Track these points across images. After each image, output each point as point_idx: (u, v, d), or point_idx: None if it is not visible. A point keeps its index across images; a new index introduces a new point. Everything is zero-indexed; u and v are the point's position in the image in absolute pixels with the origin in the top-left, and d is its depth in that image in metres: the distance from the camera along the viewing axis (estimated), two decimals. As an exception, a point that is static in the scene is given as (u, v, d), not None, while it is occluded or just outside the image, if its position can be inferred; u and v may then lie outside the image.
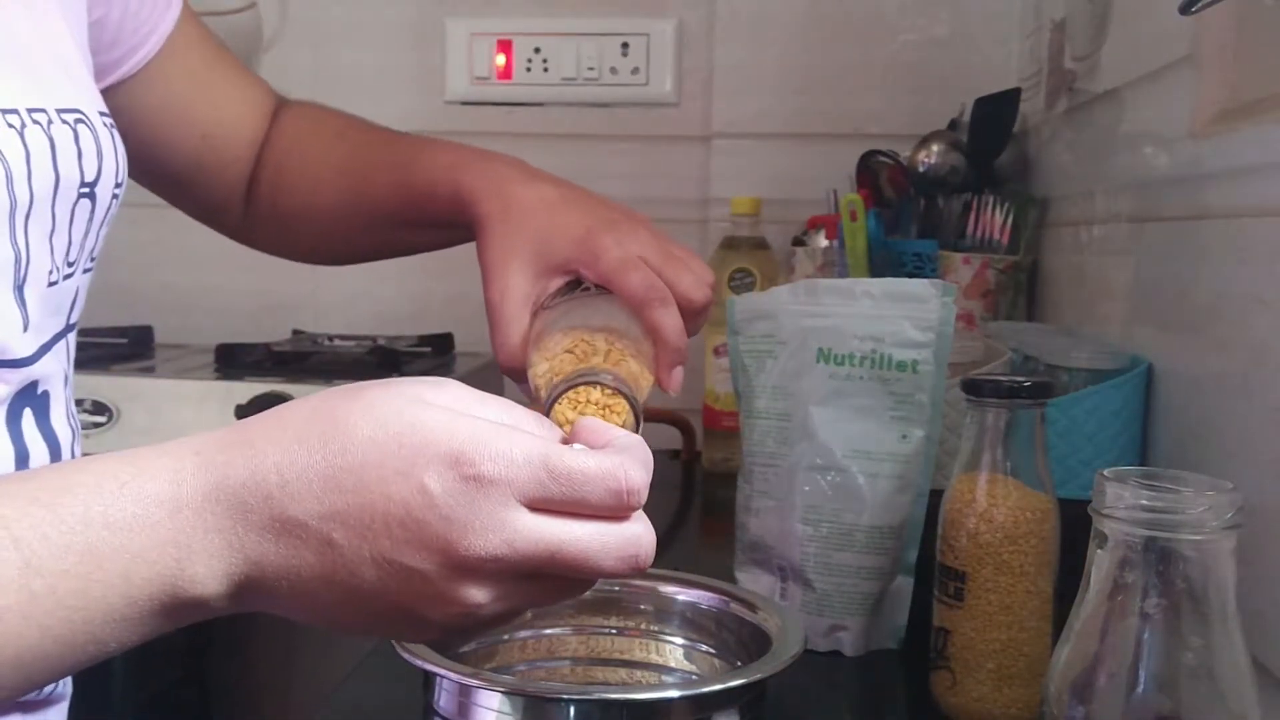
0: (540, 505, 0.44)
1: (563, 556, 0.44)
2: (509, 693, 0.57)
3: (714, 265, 1.33)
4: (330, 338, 1.55)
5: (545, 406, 0.60)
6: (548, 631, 0.71)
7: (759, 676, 0.59)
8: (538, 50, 1.60)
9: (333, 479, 0.43)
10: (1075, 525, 0.55)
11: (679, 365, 0.67)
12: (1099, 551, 0.47)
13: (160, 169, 0.82)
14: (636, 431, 0.61)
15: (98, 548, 0.42)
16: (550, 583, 0.46)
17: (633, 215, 0.72)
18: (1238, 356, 0.73)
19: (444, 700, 0.59)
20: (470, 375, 1.44)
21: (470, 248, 0.75)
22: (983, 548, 0.67)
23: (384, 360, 1.39)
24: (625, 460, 0.45)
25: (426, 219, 0.78)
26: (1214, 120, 0.79)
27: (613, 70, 1.59)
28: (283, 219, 0.87)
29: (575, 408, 0.60)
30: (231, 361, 1.40)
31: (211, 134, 0.84)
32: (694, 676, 0.69)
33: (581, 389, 0.60)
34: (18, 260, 0.57)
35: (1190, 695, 0.45)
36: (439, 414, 0.45)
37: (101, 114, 0.65)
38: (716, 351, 1.32)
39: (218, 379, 1.32)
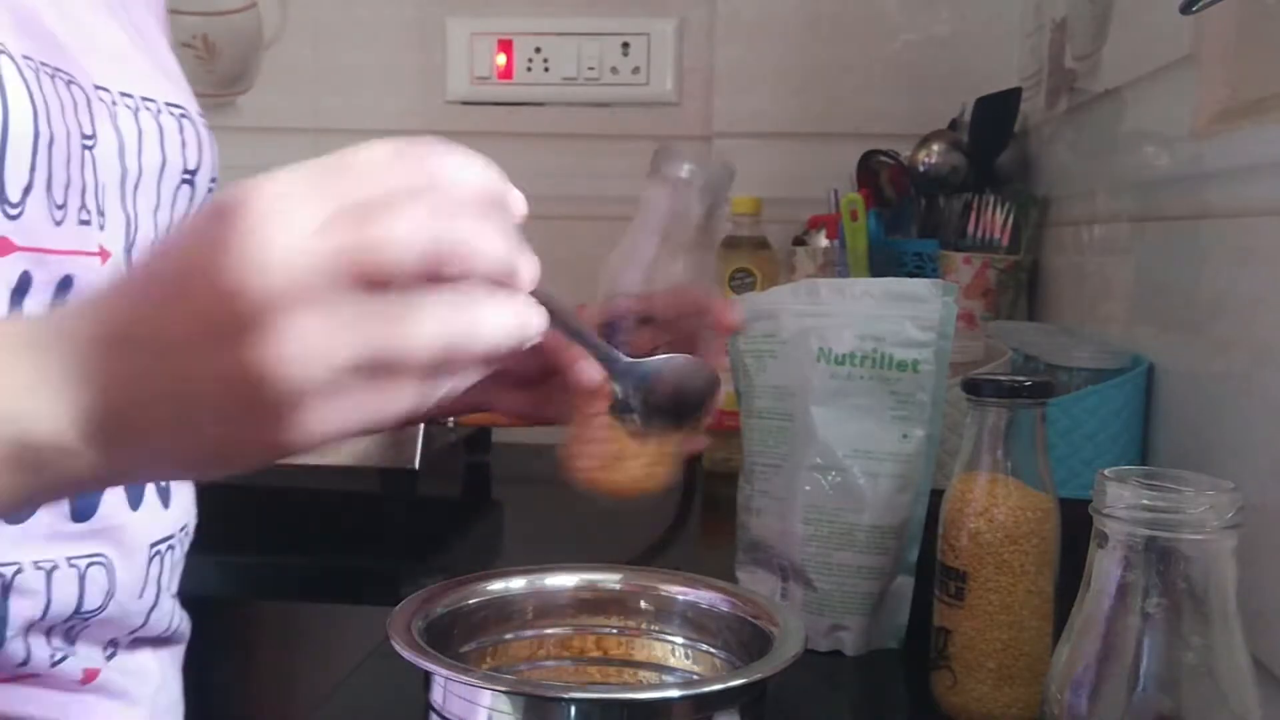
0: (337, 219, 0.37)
1: (385, 243, 0.36)
2: (509, 692, 0.57)
3: (715, 265, 1.33)
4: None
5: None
6: (548, 631, 0.71)
7: (760, 676, 0.59)
8: (538, 50, 1.60)
9: (144, 273, 0.40)
10: (1076, 525, 0.55)
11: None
12: (1100, 551, 0.47)
13: None
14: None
15: None
16: (397, 315, 0.37)
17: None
18: (1238, 356, 0.73)
19: (444, 700, 0.59)
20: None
21: None
22: (983, 547, 0.67)
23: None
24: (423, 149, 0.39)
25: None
26: (1215, 120, 0.78)
27: (613, 70, 1.59)
28: None
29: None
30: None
31: None
32: (695, 676, 0.69)
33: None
34: (128, 224, 0.64)
35: (1191, 695, 0.45)
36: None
37: (199, 113, 0.72)
38: (717, 351, 1.32)
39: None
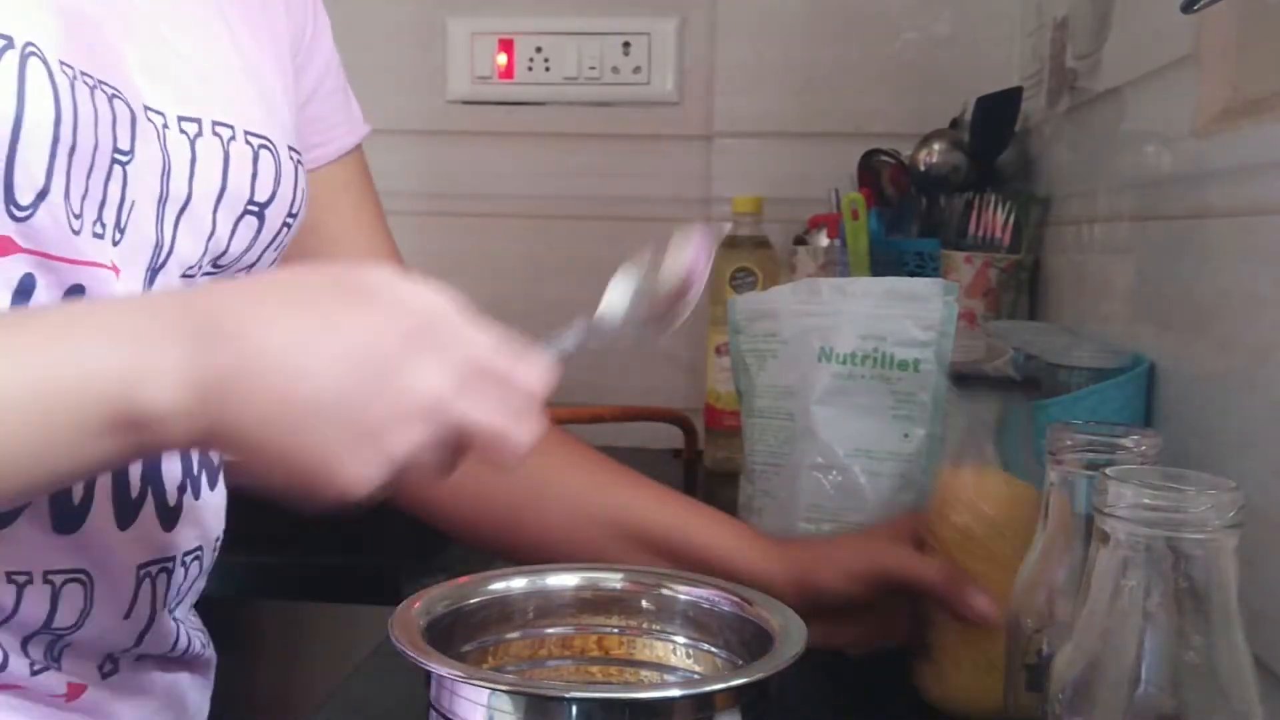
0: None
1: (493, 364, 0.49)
2: (510, 691, 0.57)
3: (715, 264, 1.33)
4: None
5: None
6: (549, 631, 0.71)
7: (761, 675, 0.59)
8: (539, 49, 1.60)
9: (277, 294, 0.48)
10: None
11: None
12: (1101, 550, 0.47)
13: None
14: None
15: (57, 352, 0.45)
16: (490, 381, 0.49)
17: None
18: (1240, 355, 0.73)
19: (445, 699, 0.59)
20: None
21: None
22: (969, 539, 0.67)
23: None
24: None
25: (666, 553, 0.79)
26: (1216, 119, 0.78)
27: (614, 69, 1.59)
28: None
29: None
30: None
31: None
32: (696, 675, 0.69)
33: None
34: (157, 246, 0.62)
35: (1192, 694, 0.45)
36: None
37: (290, 148, 0.70)
38: (718, 350, 1.32)
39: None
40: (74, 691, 0.61)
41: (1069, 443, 0.57)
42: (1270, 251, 0.69)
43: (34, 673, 0.58)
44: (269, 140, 0.68)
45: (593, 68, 1.59)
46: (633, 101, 1.60)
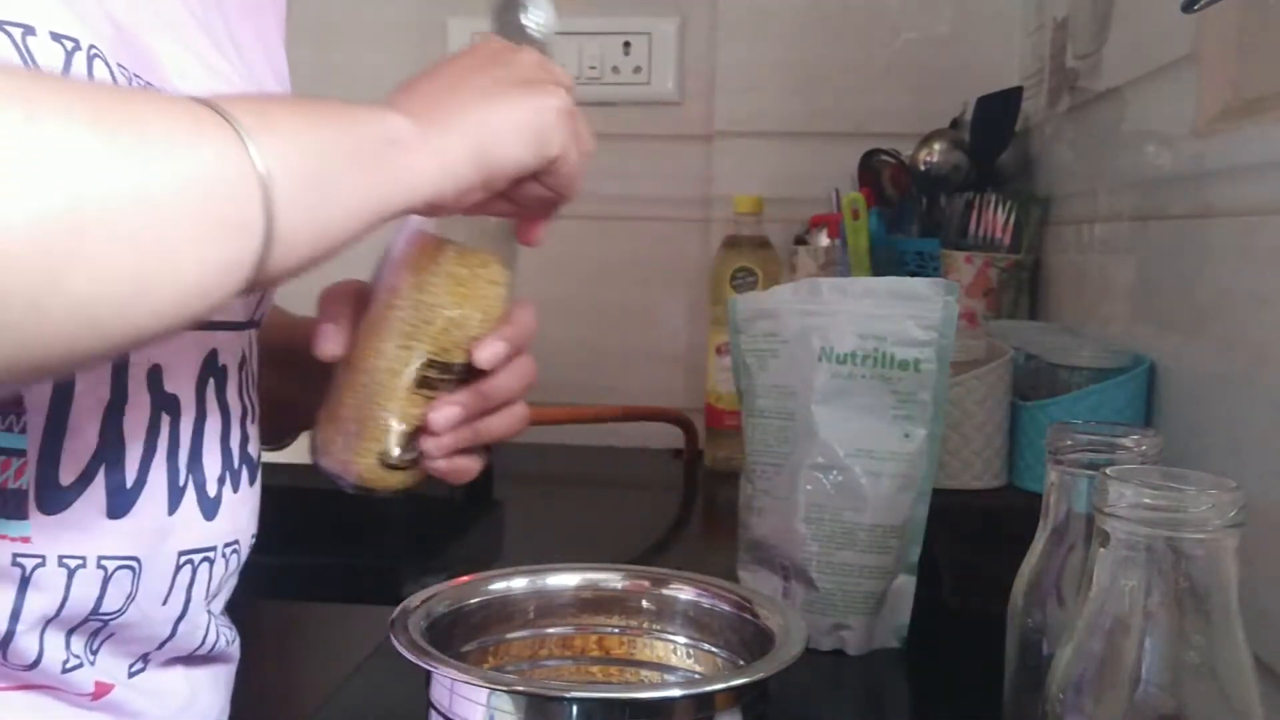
0: None
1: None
2: (511, 691, 0.57)
3: (716, 264, 1.33)
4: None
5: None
6: (549, 630, 0.71)
7: (762, 675, 0.59)
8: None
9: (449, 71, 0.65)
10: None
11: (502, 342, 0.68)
12: (1101, 550, 0.47)
13: None
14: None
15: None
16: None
17: None
18: (1240, 355, 0.73)
19: (445, 699, 0.59)
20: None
21: None
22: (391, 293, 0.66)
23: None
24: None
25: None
26: (1216, 118, 0.78)
27: (615, 69, 1.59)
28: None
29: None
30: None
31: None
32: (697, 675, 0.69)
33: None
34: None
35: (1193, 694, 0.45)
36: None
37: None
38: (719, 350, 1.32)
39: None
40: (100, 691, 0.61)
41: (1069, 442, 0.57)
42: (1271, 251, 0.69)
43: (65, 670, 0.59)
44: None
45: (593, 67, 1.59)
46: (633, 101, 1.60)
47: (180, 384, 0.62)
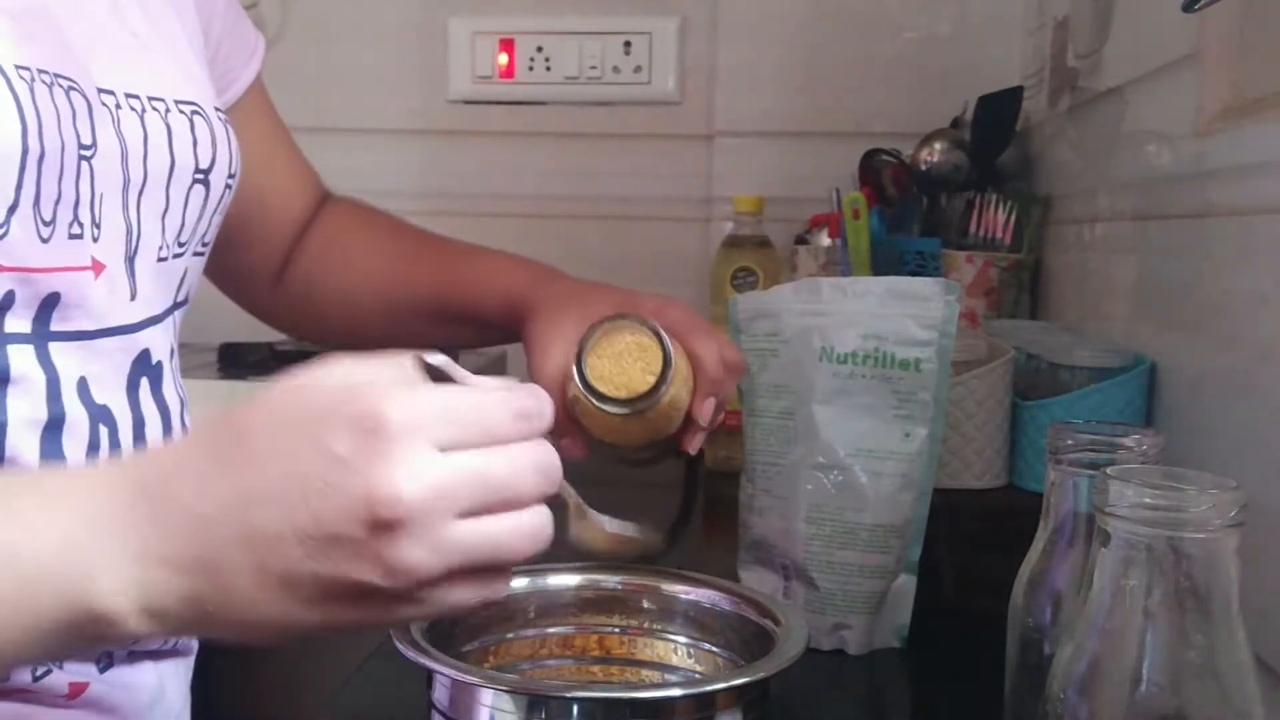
0: (452, 445, 0.43)
1: (491, 483, 0.44)
2: (512, 691, 0.57)
3: (716, 264, 1.33)
4: (333, 337, 1.55)
5: (575, 359, 0.61)
6: (551, 630, 0.71)
7: (762, 675, 0.59)
8: (540, 49, 1.60)
9: (245, 470, 0.43)
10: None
11: (711, 398, 0.72)
12: (1102, 550, 0.47)
13: None
14: (665, 378, 0.65)
15: (11, 548, 0.43)
16: (484, 531, 0.44)
17: (667, 296, 0.77)
18: (1241, 354, 0.73)
19: (446, 699, 0.59)
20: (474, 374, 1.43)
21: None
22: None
23: (387, 359, 1.38)
24: (514, 384, 0.46)
25: (473, 315, 0.83)
26: (1217, 118, 0.78)
27: (615, 69, 1.59)
28: (316, 303, 0.91)
29: (603, 357, 0.60)
30: (234, 361, 1.40)
31: (268, 200, 0.87)
32: (697, 675, 0.69)
33: (612, 335, 0.61)
34: (129, 233, 0.61)
35: (1193, 694, 0.45)
36: (333, 387, 0.45)
37: (216, 109, 0.70)
38: (719, 350, 1.32)
39: (220, 378, 1.32)
40: (75, 690, 0.61)
41: (1070, 442, 0.57)
42: (1271, 251, 0.69)
43: (37, 679, 0.58)
44: (199, 106, 0.68)
45: (594, 67, 1.59)
46: (634, 101, 1.60)
47: (109, 393, 0.61)
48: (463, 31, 1.61)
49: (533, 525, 0.45)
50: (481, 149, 1.61)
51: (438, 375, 0.46)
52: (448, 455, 0.43)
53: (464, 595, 0.45)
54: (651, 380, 0.65)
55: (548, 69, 1.60)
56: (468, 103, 1.63)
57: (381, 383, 0.44)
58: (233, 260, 0.87)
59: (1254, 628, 0.46)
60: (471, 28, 1.61)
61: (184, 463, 0.44)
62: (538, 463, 0.45)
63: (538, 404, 0.46)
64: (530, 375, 0.72)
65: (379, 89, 1.62)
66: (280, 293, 0.91)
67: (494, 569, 0.45)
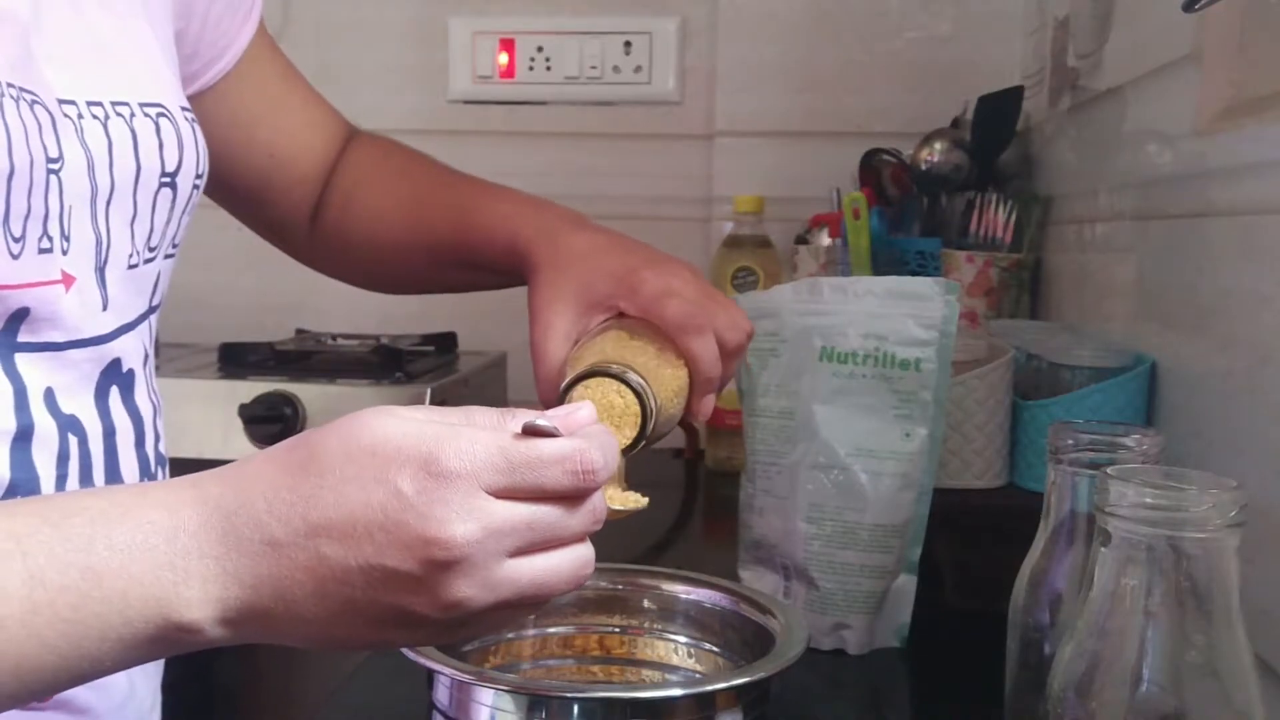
0: (505, 493, 0.46)
1: (538, 527, 0.47)
2: (512, 691, 0.57)
3: (717, 263, 1.33)
4: (333, 337, 1.55)
5: (558, 400, 0.61)
6: (551, 630, 0.71)
7: (763, 675, 0.59)
8: (540, 49, 1.60)
9: (314, 497, 0.46)
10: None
11: (710, 394, 0.70)
12: (1103, 550, 0.47)
13: (230, 184, 0.84)
14: (646, 430, 0.62)
15: (98, 567, 0.44)
16: (531, 570, 0.48)
17: (675, 258, 0.75)
18: (1242, 354, 0.73)
19: (447, 699, 0.59)
20: (473, 375, 1.44)
21: None
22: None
23: (387, 359, 1.38)
24: (580, 444, 0.48)
25: (482, 262, 0.81)
26: (1218, 117, 0.78)
27: (615, 69, 1.59)
28: (348, 246, 0.90)
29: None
30: (235, 361, 1.40)
31: (280, 153, 0.86)
32: (698, 675, 0.69)
33: (594, 382, 0.61)
34: (99, 243, 0.61)
35: (1194, 693, 0.45)
36: (404, 424, 0.47)
37: (183, 108, 0.69)
38: (719, 350, 1.32)
39: (221, 378, 1.32)
40: None
41: (1070, 442, 0.57)
42: (1272, 251, 0.69)
43: None
44: (164, 107, 0.66)
45: (594, 67, 1.59)
46: (634, 101, 1.60)
47: (77, 403, 0.60)
48: (463, 31, 1.61)
49: (576, 562, 0.49)
50: (482, 149, 1.61)
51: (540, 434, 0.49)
52: (501, 502, 0.46)
53: (509, 621, 0.50)
54: (631, 436, 0.65)
55: (548, 69, 1.60)
56: (468, 102, 1.63)
57: (456, 427, 0.47)
58: (265, 214, 0.88)
59: (1254, 628, 0.46)
60: (472, 27, 1.61)
61: (256, 484, 0.47)
62: (585, 504, 0.48)
63: (603, 459, 0.48)
64: (531, 348, 0.71)
65: (379, 89, 1.62)
66: (315, 237, 0.91)
67: (539, 598, 0.49)
